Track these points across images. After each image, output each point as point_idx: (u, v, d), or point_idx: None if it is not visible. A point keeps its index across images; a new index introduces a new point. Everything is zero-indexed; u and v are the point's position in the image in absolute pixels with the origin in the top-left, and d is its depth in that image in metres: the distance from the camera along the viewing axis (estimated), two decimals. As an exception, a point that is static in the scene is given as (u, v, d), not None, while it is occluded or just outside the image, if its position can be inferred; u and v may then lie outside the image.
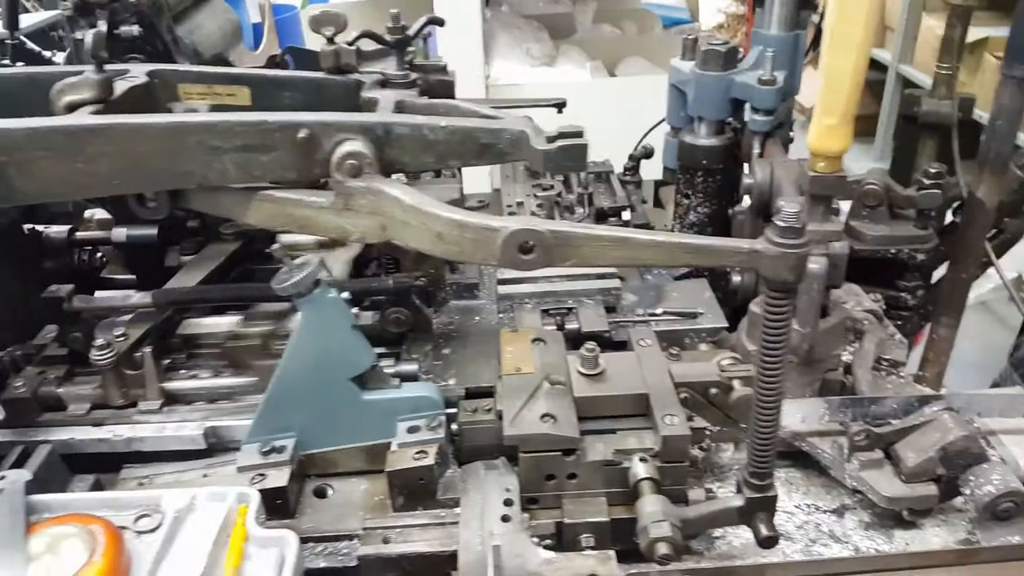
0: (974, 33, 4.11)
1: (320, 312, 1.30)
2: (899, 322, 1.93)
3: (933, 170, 1.78)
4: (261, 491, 1.29)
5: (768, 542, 1.24)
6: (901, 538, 1.39)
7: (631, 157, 2.39)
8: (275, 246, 1.25)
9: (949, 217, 1.99)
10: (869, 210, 1.88)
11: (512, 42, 3.99)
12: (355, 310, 1.35)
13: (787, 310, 1.10)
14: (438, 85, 1.56)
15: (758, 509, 1.26)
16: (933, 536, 1.39)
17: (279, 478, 1.36)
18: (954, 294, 1.69)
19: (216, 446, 1.53)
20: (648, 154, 2.42)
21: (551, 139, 1.20)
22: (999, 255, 1.85)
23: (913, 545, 1.37)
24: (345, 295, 1.32)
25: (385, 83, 1.50)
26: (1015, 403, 1.46)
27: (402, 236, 1.18)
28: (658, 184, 2.41)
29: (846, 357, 1.67)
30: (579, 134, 1.20)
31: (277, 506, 1.36)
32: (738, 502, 1.27)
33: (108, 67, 1.42)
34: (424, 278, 1.61)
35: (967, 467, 1.35)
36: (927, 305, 1.99)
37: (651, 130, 2.46)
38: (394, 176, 1.23)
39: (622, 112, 3.37)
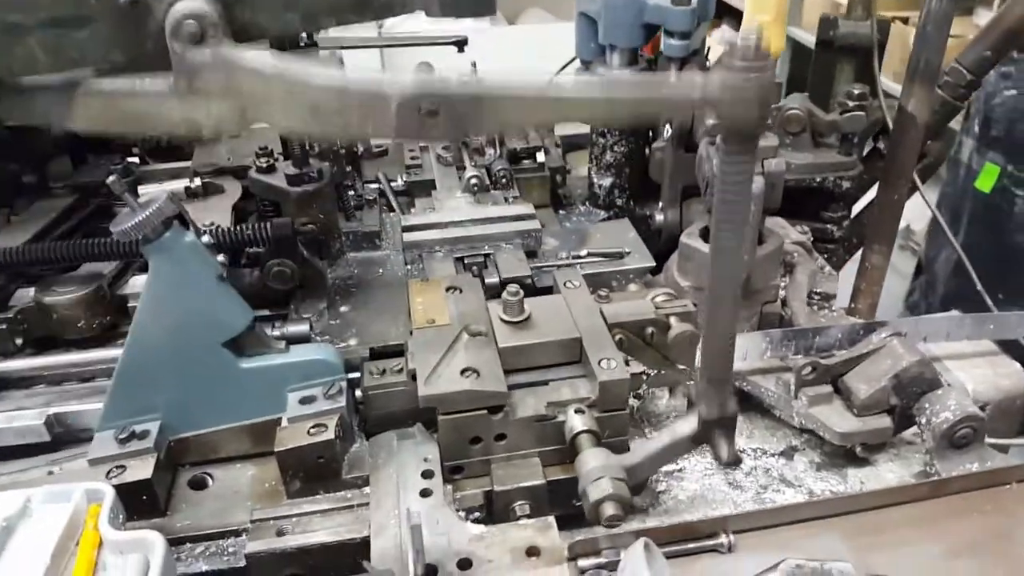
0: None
1: (174, 261, 1.06)
2: (825, 255, 1.84)
3: (856, 91, 1.68)
4: (121, 486, 1.08)
5: (732, 463, 1.08)
6: (855, 476, 1.29)
7: (538, 98, 2.20)
8: (111, 177, 0.99)
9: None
10: (792, 137, 1.78)
11: (403, -6, 3.70)
12: (221, 257, 1.11)
13: (749, 164, 0.90)
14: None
15: (716, 427, 1.10)
16: (887, 472, 1.29)
17: (142, 469, 1.13)
18: (885, 219, 1.60)
19: (63, 437, 1.26)
20: (555, 95, 2.24)
21: None
22: (923, 180, 1.78)
23: (869, 483, 1.27)
24: (206, 239, 1.07)
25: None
26: (961, 326, 1.38)
27: (269, 117, 0.93)
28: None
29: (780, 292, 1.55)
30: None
31: (143, 503, 1.13)
32: (689, 427, 1.11)
33: None
34: (312, 224, 1.38)
35: (920, 395, 1.24)
36: (852, 237, 1.92)
37: (561, 69, 2.28)
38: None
39: (525, 60, 3.18)
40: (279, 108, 0.93)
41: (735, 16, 4.59)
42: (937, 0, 1.40)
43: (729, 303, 1.00)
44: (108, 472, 1.12)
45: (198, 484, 1.21)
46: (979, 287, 1.68)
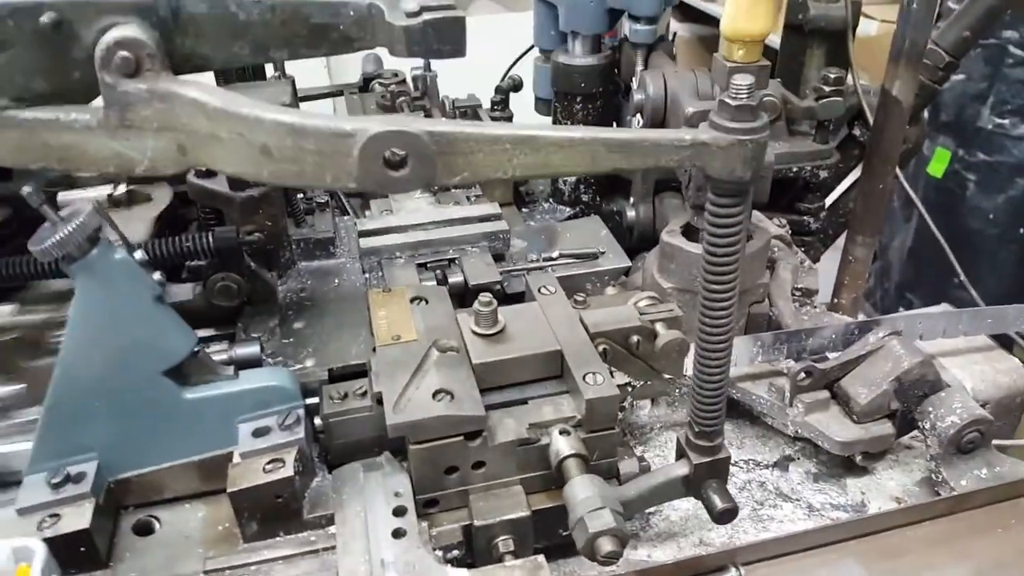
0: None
1: (104, 281, 0.93)
2: (802, 248, 1.78)
3: (833, 75, 1.60)
4: (54, 539, 0.96)
5: (726, 515, 1.02)
6: (855, 487, 1.22)
7: (498, 90, 2.10)
8: (27, 188, 0.87)
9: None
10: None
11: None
12: (158, 275, 0.98)
13: (741, 219, 0.86)
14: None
15: (708, 476, 1.03)
16: (888, 480, 1.23)
17: (79, 518, 1.00)
18: (870, 208, 1.54)
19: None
20: (517, 86, 2.14)
21: (412, 14, 0.88)
22: (901, 167, 1.72)
23: (870, 493, 1.21)
24: (140, 255, 0.95)
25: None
26: (957, 321, 1.31)
27: (211, 157, 0.83)
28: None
29: (762, 289, 1.47)
30: (450, 6, 0.89)
31: (81, 555, 1.01)
32: (683, 470, 1.04)
33: None
34: (259, 232, 1.25)
35: (923, 398, 1.18)
36: (828, 228, 1.85)
37: (518, 60, 2.18)
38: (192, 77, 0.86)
39: (476, 52, 3.09)
40: (225, 149, 0.82)
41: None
42: (924, -23, 1.32)
43: (719, 364, 0.96)
44: (40, 523, 0.99)
45: (143, 529, 1.09)
46: (962, 278, 1.64)
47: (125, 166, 0.85)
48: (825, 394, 1.22)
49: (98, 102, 0.86)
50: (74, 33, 0.83)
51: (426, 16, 0.87)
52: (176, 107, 0.82)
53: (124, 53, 0.80)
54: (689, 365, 1.21)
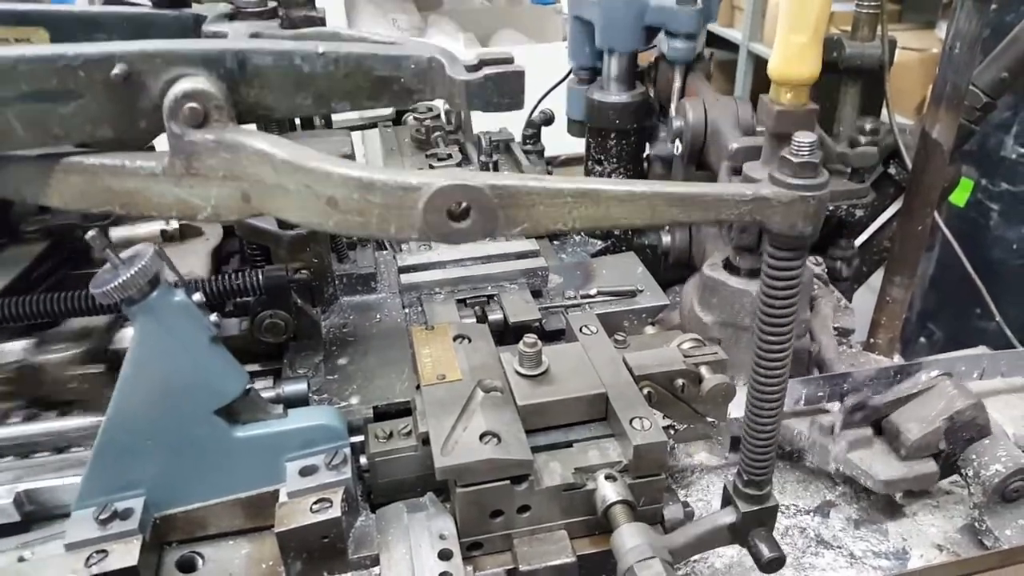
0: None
1: (162, 323, 0.94)
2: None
3: (869, 127, 1.60)
4: (103, 575, 0.96)
5: (773, 565, 1.01)
6: (896, 533, 1.22)
7: (530, 123, 2.12)
8: (91, 233, 0.89)
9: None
10: (802, 164, 1.70)
11: (377, 12, 3.65)
12: (214, 316, 1.00)
13: (799, 272, 0.86)
14: (302, 22, 1.20)
15: (755, 524, 1.03)
16: (930, 526, 1.22)
17: (127, 555, 1.00)
18: (908, 249, 1.53)
19: (36, 515, 1.13)
20: (548, 120, 2.16)
21: (472, 68, 0.90)
22: (936, 206, 1.71)
23: (911, 540, 1.20)
24: (197, 297, 0.96)
25: (235, 15, 1.14)
26: (994, 363, 1.31)
27: (276, 207, 0.84)
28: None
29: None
30: (509, 60, 0.91)
31: None
32: (729, 518, 1.04)
33: None
34: (305, 270, 1.27)
35: (968, 442, 1.17)
36: (863, 266, 1.85)
37: (548, 93, 2.19)
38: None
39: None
40: (291, 200, 0.83)
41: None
42: (967, 19, 1.32)
43: (771, 415, 0.96)
44: (88, 559, 1.00)
45: (187, 566, 1.09)
46: (993, 312, 1.63)
47: (188, 212, 0.87)
48: (868, 431, 1.21)
49: (162, 144, 0.88)
50: (143, 84, 0.85)
51: (487, 71, 0.88)
52: (242, 157, 0.83)
53: (192, 104, 0.82)
54: (733, 409, 1.22)
